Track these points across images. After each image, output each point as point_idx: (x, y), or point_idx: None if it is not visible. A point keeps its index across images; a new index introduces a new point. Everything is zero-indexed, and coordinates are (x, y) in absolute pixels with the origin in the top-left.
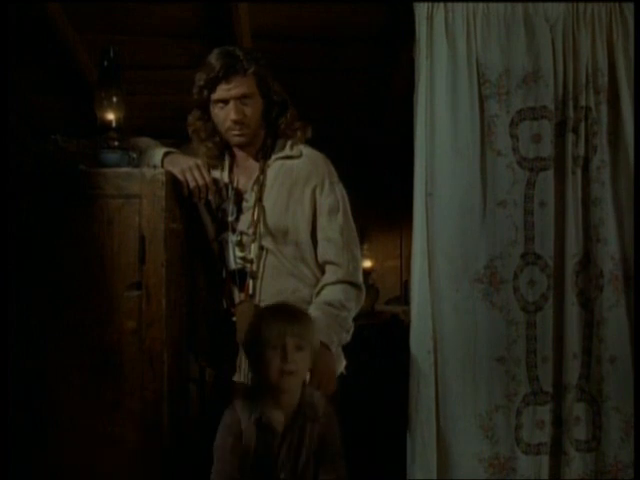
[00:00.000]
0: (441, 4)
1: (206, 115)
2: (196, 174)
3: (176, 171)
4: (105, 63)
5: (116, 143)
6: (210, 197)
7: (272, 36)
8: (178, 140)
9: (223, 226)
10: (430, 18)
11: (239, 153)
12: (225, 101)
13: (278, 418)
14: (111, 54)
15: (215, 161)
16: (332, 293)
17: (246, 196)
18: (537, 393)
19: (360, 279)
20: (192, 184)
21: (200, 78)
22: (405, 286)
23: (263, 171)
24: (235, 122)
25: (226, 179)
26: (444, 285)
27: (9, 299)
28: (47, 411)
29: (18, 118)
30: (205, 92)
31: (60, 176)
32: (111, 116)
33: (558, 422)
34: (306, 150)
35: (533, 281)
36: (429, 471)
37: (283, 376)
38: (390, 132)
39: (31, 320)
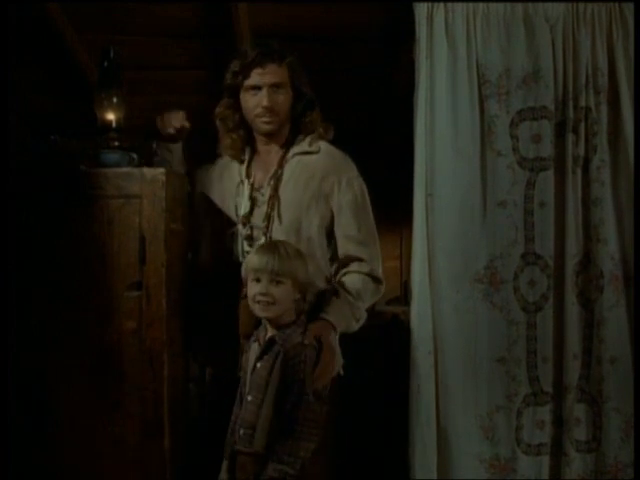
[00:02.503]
0: (441, 4)
1: (236, 104)
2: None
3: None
4: (105, 63)
5: (116, 143)
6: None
7: (272, 36)
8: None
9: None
10: (430, 18)
11: (262, 148)
12: (258, 87)
13: (264, 336)
14: (111, 54)
15: (238, 153)
16: (352, 281)
17: (262, 190)
18: (537, 393)
19: (381, 274)
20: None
21: (235, 64)
22: (405, 286)
23: (281, 165)
24: (266, 109)
25: (243, 173)
26: (444, 285)
27: (9, 299)
28: (47, 411)
29: (18, 118)
30: (240, 77)
31: (60, 176)
32: (111, 116)
33: (558, 422)
34: (324, 146)
35: (533, 281)
36: (429, 471)
37: (260, 304)
38: (390, 132)
39: (31, 320)
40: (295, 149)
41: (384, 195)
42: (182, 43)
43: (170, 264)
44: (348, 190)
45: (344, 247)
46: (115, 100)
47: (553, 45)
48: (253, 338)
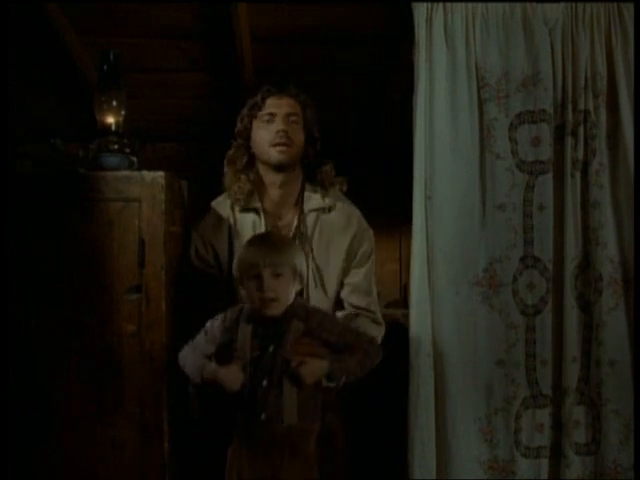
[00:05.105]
0: (440, 7)
1: (246, 144)
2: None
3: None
4: (105, 67)
5: (116, 146)
6: None
7: (271, 38)
8: (178, 142)
9: None
10: (429, 21)
11: (273, 194)
12: (273, 115)
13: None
14: (111, 58)
15: (247, 198)
16: (364, 326)
17: None
18: (536, 396)
19: (381, 317)
20: None
21: (249, 102)
22: (404, 290)
23: (302, 222)
24: (281, 133)
25: (262, 224)
26: (443, 288)
27: (10, 301)
28: (47, 414)
29: (18, 120)
30: (255, 110)
31: (60, 179)
32: (111, 119)
33: (557, 425)
34: (338, 203)
35: (532, 284)
36: (428, 473)
37: (264, 303)
38: (389, 135)
39: (32, 323)
40: (309, 204)
41: (383, 198)
42: (181, 45)
43: (170, 267)
44: (364, 243)
45: (350, 296)
46: (115, 103)
47: (552, 48)
48: (242, 317)
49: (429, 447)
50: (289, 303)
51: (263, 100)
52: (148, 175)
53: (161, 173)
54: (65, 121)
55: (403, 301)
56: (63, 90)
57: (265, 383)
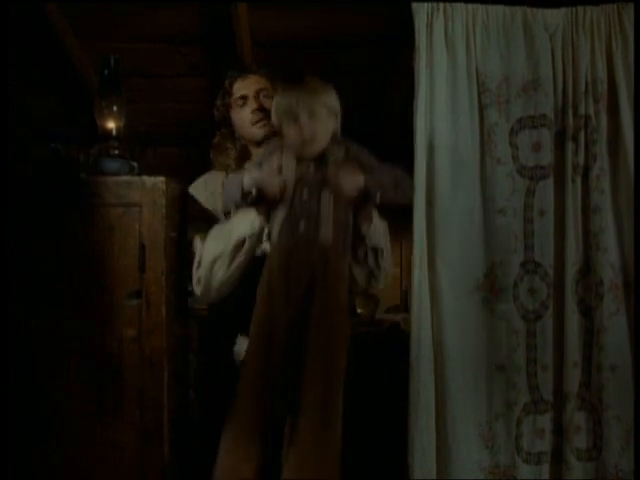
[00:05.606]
0: (441, 13)
1: (230, 130)
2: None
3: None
4: (105, 72)
5: (116, 151)
6: None
7: (272, 42)
8: (178, 147)
9: None
10: (430, 26)
11: None
12: (245, 97)
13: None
14: (111, 63)
15: (237, 162)
16: None
17: None
18: (537, 402)
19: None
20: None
21: (220, 92)
22: (405, 294)
23: None
24: (257, 111)
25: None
26: (444, 293)
27: (10, 306)
28: (47, 418)
29: (18, 120)
30: (226, 97)
31: (60, 184)
32: (111, 124)
33: (558, 431)
34: None
35: (533, 289)
36: (429, 475)
37: (303, 143)
38: (389, 135)
39: (32, 327)
40: None
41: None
42: (182, 50)
43: (170, 272)
44: None
45: None
46: (115, 108)
47: (552, 54)
48: (287, 150)
49: (429, 450)
50: (326, 143)
51: (231, 85)
52: (149, 180)
53: (162, 178)
54: (65, 122)
55: (404, 306)
56: (63, 91)
57: (305, 194)
